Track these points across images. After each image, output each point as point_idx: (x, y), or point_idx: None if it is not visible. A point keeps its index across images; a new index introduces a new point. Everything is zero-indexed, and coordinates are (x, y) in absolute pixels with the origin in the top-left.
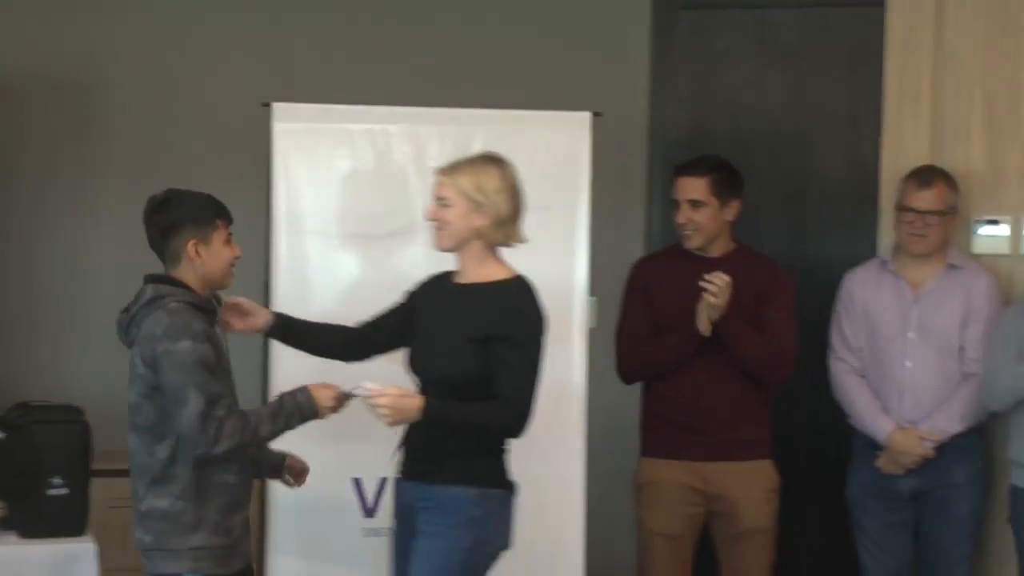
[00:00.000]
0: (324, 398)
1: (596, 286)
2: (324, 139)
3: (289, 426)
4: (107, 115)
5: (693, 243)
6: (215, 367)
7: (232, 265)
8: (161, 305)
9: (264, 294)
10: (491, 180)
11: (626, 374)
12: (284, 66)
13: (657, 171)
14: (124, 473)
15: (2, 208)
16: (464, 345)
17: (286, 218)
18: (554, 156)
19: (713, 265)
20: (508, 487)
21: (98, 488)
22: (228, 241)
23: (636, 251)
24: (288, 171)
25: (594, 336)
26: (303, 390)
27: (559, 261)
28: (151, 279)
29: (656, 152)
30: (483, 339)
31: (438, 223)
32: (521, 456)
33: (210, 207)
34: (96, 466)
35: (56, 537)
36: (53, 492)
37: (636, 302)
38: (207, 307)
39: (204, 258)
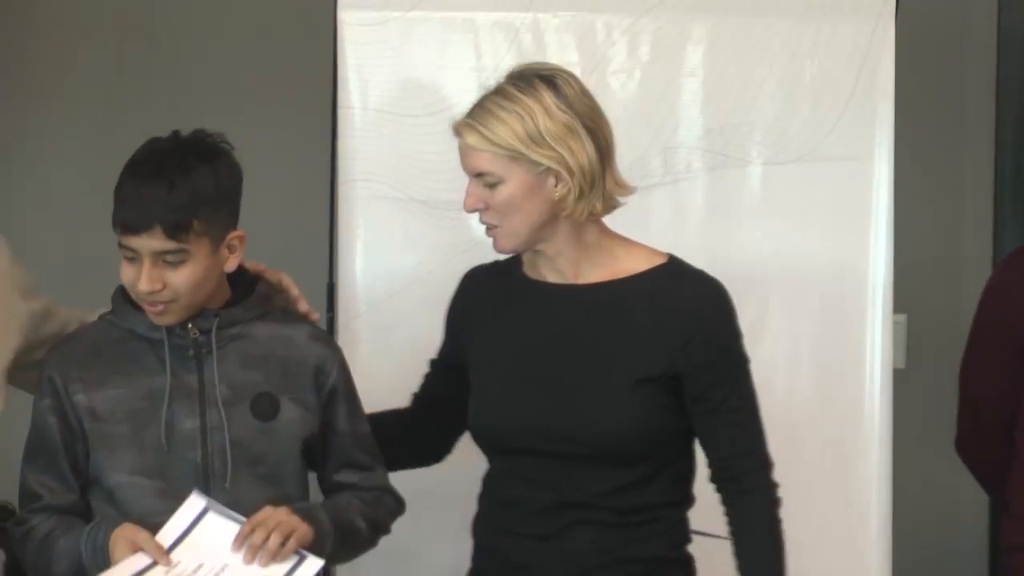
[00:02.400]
0: (119, 547)
1: (904, 293)
2: (426, 40)
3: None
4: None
5: None
6: (56, 437)
7: (137, 295)
8: None
9: (328, 298)
10: (550, 115)
11: (970, 459)
12: None
13: (1009, 95)
14: None
15: None
16: (632, 388)
17: (359, 174)
18: (828, 73)
19: None
20: None
21: None
22: (129, 259)
23: (976, 235)
24: (364, 97)
25: (900, 378)
26: (102, 527)
27: (839, 248)
28: None
29: (1008, 65)
30: (660, 375)
31: (489, 217)
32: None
33: (119, 194)
34: None
35: None
36: None
37: (997, 337)
38: (139, 332)
39: None
